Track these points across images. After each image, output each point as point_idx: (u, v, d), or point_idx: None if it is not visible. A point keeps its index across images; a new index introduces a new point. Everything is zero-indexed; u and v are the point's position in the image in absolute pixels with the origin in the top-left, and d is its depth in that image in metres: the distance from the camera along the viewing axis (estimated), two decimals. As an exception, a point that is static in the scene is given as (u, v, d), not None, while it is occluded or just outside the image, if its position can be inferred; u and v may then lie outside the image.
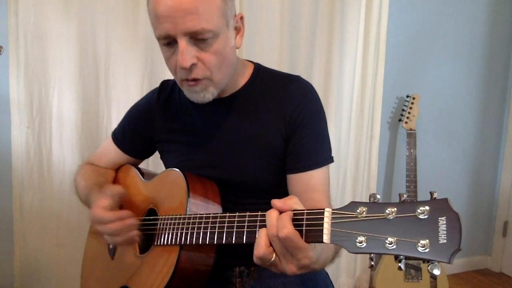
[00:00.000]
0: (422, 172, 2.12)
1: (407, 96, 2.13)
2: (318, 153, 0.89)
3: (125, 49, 1.65)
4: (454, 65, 2.33)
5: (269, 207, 0.94)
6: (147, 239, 0.89)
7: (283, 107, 0.90)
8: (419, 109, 2.09)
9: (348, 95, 2.03)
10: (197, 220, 0.76)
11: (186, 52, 0.77)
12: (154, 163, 1.60)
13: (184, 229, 0.78)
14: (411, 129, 2.08)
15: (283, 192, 0.91)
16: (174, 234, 0.80)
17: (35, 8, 1.52)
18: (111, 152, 1.09)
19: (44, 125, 1.59)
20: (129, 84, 1.67)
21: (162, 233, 0.83)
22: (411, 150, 2.04)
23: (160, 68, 1.69)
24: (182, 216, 0.80)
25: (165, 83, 1.04)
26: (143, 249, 0.90)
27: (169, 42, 0.79)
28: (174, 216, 0.82)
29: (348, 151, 2.07)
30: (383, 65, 2.08)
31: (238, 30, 0.87)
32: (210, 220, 0.74)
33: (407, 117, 2.08)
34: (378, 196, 0.55)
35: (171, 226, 0.81)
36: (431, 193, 0.52)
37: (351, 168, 2.08)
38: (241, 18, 0.87)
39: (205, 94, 0.84)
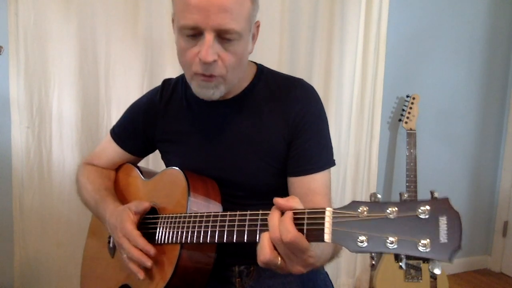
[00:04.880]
0: (422, 172, 2.12)
1: (407, 96, 2.13)
2: (320, 157, 0.90)
3: (125, 49, 1.65)
4: (454, 65, 2.33)
5: (269, 208, 0.94)
6: (148, 238, 0.90)
7: (287, 110, 0.90)
8: (419, 109, 2.09)
9: (348, 95, 2.03)
10: (198, 219, 0.76)
11: (212, 47, 0.77)
12: (154, 162, 1.60)
13: (185, 227, 0.78)
14: (411, 129, 2.08)
15: (284, 195, 0.90)
16: (175, 232, 0.80)
17: (35, 8, 1.52)
18: (110, 151, 1.08)
19: (44, 125, 1.59)
20: (129, 84, 1.66)
21: (163, 232, 0.83)
22: (411, 150, 2.04)
23: (160, 68, 1.69)
24: (183, 215, 0.80)
25: (166, 82, 1.03)
26: None
27: (193, 34, 0.78)
28: (174, 215, 0.82)
29: (348, 151, 2.07)
30: (383, 65, 2.08)
31: (253, 36, 0.87)
32: (211, 219, 0.74)
33: (407, 117, 2.08)
34: (379, 196, 0.55)
35: (172, 225, 0.81)
36: (432, 192, 0.52)
37: (351, 168, 2.08)
38: (258, 26, 0.88)
39: (214, 92, 0.84)
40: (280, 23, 1.86)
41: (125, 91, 1.66)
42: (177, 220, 0.81)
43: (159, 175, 0.96)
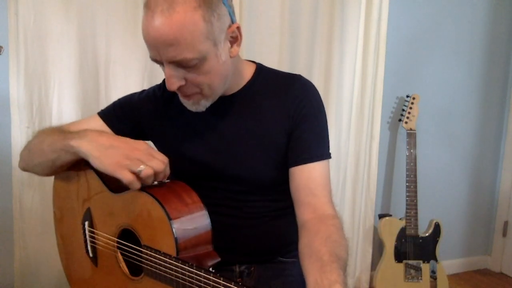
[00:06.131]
0: (422, 172, 2.12)
1: (407, 96, 2.13)
2: (319, 147, 0.91)
3: (125, 49, 1.65)
4: (454, 65, 2.33)
5: (271, 204, 0.95)
6: (130, 267, 0.86)
7: (287, 104, 0.91)
8: (419, 109, 2.10)
9: (348, 95, 2.03)
10: (195, 276, 0.70)
11: (172, 77, 0.79)
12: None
13: (181, 278, 0.73)
14: (411, 129, 2.08)
15: (286, 190, 0.92)
16: (169, 278, 0.75)
17: (35, 8, 1.52)
18: (92, 125, 0.98)
19: (44, 125, 1.58)
20: (129, 84, 1.66)
21: (153, 269, 0.78)
22: (411, 150, 2.04)
23: (160, 68, 1.68)
24: (174, 261, 0.73)
25: None
26: (129, 268, 0.87)
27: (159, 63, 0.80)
28: (164, 257, 0.75)
29: (348, 151, 2.06)
30: (383, 65, 2.08)
31: (234, 39, 0.84)
32: (212, 281, 0.67)
33: (407, 117, 2.08)
34: None
35: (163, 268, 0.76)
36: None
37: (351, 168, 2.08)
38: (238, 28, 0.84)
39: (197, 107, 0.86)
40: (280, 23, 1.85)
41: (125, 91, 1.63)
42: (169, 265, 0.74)
43: (128, 195, 0.84)
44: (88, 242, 0.94)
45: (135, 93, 1.05)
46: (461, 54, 2.33)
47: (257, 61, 1.00)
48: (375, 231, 2.17)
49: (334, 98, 2.01)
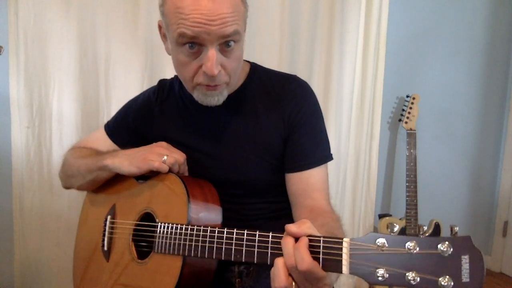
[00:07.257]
0: (422, 172, 2.12)
1: (407, 96, 2.13)
2: (316, 152, 0.90)
3: (125, 49, 1.65)
4: (454, 65, 2.33)
5: (269, 206, 0.94)
6: (145, 245, 0.88)
7: (282, 107, 0.90)
8: (419, 109, 2.09)
9: (348, 95, 2.03)
10: (201, 233, 0.74)
11: (216, 60, 0.77)
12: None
13: (188, 240, 0.76)
14: (411, 129, 2.07)
15: (283, 192, 0.92)
16: (177, 244, 0.78)
17: (35, 8, 1.52)
18: (101, 142, 1.05)
19: (44, 125, 1.59)
20: (129, 84, 1.67)
21: (163, 241, 0.81)
22: (411, 150, 2.04)
23: (160, 68, 1.69)
24: (185, 226, 0.77)
25: (162, 83, 1.04)
26: (140, 254, 0.88)
27: (192, 44, 0.77)
28: (176, 225, 0.79)
29: (348, 151, 2.06)
30: (383, 65, 2.08)
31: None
32: (216, 234, 0.72)
33: (407, 117, 2.08)
34: (397, 227, 0.56)
35: (173, 236, 0.79)
36: (452, 228, 0.52)
37: (351, 168, 2.08)
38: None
39: (219, 98, 0.85)
40: (280, 23, 1.86)
41: (125, 91, 1.66)
42: (178, 231, 0.78)
43: (155, 179, 0.91)
44: (106, 234, 0.95)
45: (131, 102, 1.06)
46: (461, 54, 2.33)
47: (257, 61, 1.00)
48: (375, 231, 2.17)
49: (334, 98, 2.00)
